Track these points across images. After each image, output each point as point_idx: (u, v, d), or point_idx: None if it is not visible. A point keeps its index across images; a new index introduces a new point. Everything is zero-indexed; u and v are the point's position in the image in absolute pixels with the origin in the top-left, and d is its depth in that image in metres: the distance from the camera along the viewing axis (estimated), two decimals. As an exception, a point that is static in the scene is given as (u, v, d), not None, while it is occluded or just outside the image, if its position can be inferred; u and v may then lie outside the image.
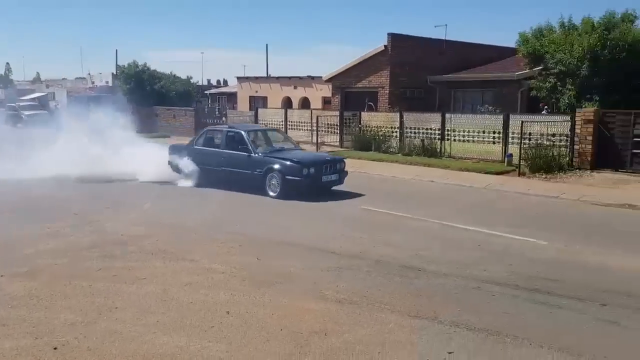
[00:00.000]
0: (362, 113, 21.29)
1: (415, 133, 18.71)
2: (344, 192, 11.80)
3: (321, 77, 28.11)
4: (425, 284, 6.28)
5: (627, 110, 14.49)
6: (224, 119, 26.37)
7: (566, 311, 5.48)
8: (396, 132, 19.27)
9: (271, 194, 11.34)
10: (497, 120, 16.77)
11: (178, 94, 32.71)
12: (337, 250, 7.57)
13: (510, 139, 16.13)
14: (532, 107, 20.11)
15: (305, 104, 30.63)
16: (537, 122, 15.65)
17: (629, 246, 8.07)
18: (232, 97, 38.75)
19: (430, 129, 18.34)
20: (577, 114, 14.91)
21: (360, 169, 15.07)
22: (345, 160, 12.41)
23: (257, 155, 11.83)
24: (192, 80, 37.88)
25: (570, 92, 16.47)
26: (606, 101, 15.61)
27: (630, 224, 9.71)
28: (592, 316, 5.35)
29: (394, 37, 23.87)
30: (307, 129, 23.00)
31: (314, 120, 22.10)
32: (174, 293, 5.81)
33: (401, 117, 19.34)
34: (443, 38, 25.43)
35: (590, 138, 14.58)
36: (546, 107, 18.55)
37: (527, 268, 6.83)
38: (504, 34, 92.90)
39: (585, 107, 15.34)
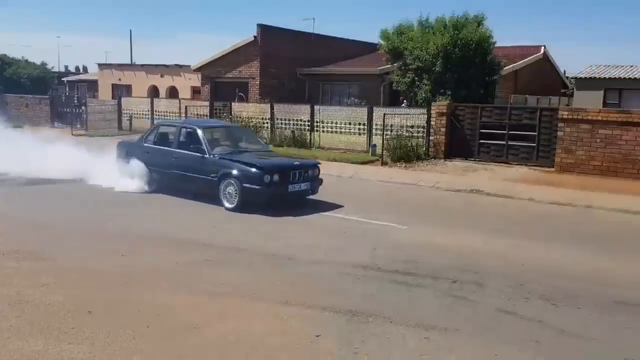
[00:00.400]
0: (232, 104, 21.20)
1: (286, 124, 19.02)
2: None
3: (189, 66, 27.44)
4: (295, 271, 6.47)
5: (474, 104, 15.95)
6: (83, 107, 24.76)
7: (423, 289, 5.96)
8: (267, 123, 19.44)
9: (227, 205, 9.54)
10: (362, 113, 17.62)
11: (32, 81, 30.12)
12: (207, 243, 7.52)
13: (374, 130, 17.03)
14: (394, 100, 21.35)
15: (173, 93, 29.70)
16: (398, 114, 16.68)
17: (476, 227, 8.92)
18: (92, 85, 36.41)
19: (301, 120, 18.77)
20: (432, 107, 16.13)
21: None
22: (319, 165, 10.55)
23: (211, 157, 9.95)
24: (47, 67, 35.02)
25: (427, 87, 17.71)
26: (457, 95, 17.03)
27: (477, 207, 10.72)
28: (445, 293, 5.87)
29: (264, 29, 23.97)
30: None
31: (183, 111, 21.57)
32: (29, 295, 5.41)
33: (272, 108, 19.56)
34: (312, 32, 26.04)
35: (443, 129, 15.85)
36: (405, 100, 19.77)
37: (389, 251, 7.30)
38: (369, 30, 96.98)
39: (439, 101, 16.61)
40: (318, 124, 18.35)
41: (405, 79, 18.63)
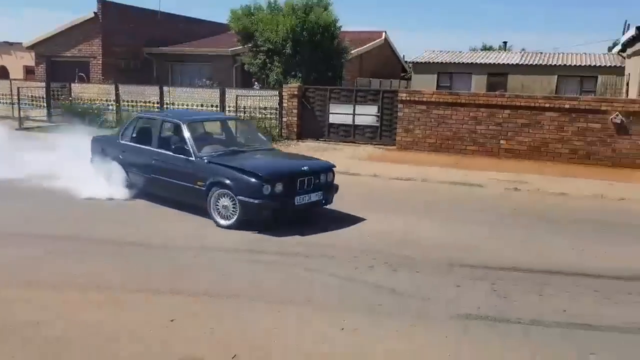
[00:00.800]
0: (72, 85, 19.84)
1: (133, 106, 18.19)
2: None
3: (22, 43, 25.06)
4: (142, 258, 6.33)
5: (324, 87, 16.56)
6: None
7: (276, 266, 6.18)
8: (112, 105, 18.45)
9: (220, 221, 7.61)
10: (214, 94, 17.42)
11: None
12: (51, 234, 7.06)
13: (227, 112, 16.94)
14: (247, 82, 21.38)
15: (3, 73, 26.89)
16: (251, 96, 16.78)
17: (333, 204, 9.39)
18: None
19: (150, 102, 18.07)
20: (283, 89, 16.46)
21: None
22: (334, 168, 8.49)
23: (199, 159, 8.01)
24: None
25: (278, 69, 17.99)
26: (307, 78, 17.54)
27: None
28: (298, 267, 6.15)
29: (105, 4, 22.61)
30: (6, 102, 20.43)
31: (15, 92, 19.68)
32: None
33: (117, 89, 18.60)
34: (157, 9, 25.04)
35: (295, 111, 16.27)
36: (257, 82, 19.92)
37: (240, 232, 7.40)
38: (220, 10, 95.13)
39: (290, 83, 16.99)
40: (169, 106, 17.80)
41: (256, 60, 18.72)
